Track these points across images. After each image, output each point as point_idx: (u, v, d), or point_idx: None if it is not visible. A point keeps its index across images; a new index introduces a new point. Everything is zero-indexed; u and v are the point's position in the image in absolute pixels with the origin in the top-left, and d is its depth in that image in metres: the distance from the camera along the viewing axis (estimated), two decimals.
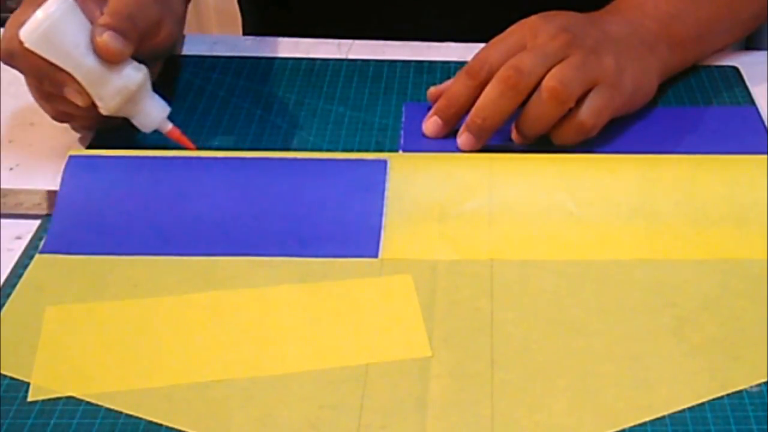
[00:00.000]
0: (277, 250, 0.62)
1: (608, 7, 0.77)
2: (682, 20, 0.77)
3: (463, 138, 0.71)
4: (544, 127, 0.69)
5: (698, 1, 0.78)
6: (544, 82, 0.68)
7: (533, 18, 0.72)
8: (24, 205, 0.67)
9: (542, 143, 0.71)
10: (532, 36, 0.71)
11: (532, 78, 0.68)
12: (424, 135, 0.73)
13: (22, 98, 0.78)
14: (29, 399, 0.53)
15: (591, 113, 0.69)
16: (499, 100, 0.69)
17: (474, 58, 0.71)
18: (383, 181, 0.65)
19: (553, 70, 0.68)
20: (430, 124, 0.72)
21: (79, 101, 0.66)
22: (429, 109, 0.73)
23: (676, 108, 0.77)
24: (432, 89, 0.75)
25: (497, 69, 0.69)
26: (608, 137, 0.72)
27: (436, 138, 0.72)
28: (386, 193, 0.64)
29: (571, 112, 0.69)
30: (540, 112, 0.69)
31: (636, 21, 0.75)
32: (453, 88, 0.72)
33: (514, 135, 0.71)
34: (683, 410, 0.52)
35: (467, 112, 0.71)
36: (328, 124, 0.75)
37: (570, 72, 0.68)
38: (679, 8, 0.77)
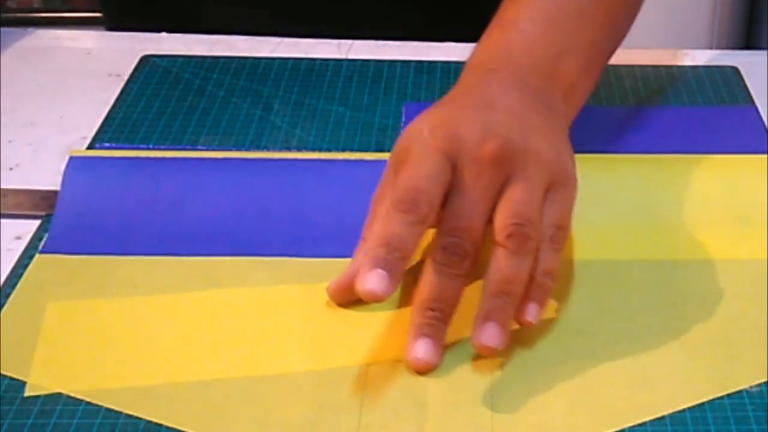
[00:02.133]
0: (277, 250, 0.62)
1: (473, 67, 0.64)
2: (562, 59, 0.64)
3: (490, 331, 0.54)
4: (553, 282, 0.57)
5: (571, 28, 0.66)
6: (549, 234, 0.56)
7: (438, 130, 0.57)
8: (24, 205, 0.67)
9: None
10: (455, 152, 0.56)
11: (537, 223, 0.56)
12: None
13: (22, 98, 0.79)
14: (26, 395, 0.53)
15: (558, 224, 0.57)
16: (522, 265, 0.55)
17: (400, 190, 0.54)
18: None
19: (554, 218, 0.57)
20: (376, 277, 0.52)
21: None
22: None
23: (676, 108, 0.77)
24: (332, 287, 0.58)
25: (437, 199, 0.55)
26: (608, 137, 0.72)
27: (384, 297, 0.53)
28: None
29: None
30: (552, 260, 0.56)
31: (518, 80, 0.62)
32: (388, 229, 0.54)
33: (530, 313, 0.56)
34: (683, 410, 0.52)
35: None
36: (328, 124, 0.75)
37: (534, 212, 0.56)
38: (556, 45, 0.64)
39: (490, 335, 0.54)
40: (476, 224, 0.55)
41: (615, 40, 0.70)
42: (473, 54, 0.65)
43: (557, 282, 0.60)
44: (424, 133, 0.56)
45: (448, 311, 0.55)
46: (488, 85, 0.61)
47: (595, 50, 0.67)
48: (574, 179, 0.59)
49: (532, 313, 0.55)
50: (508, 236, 0.54)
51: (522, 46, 0.63)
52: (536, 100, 0.61)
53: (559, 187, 0.57)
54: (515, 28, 0.64)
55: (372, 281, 0.52)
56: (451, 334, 0.56)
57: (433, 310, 0.55)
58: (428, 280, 0.55)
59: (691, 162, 0.66)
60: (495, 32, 0.65)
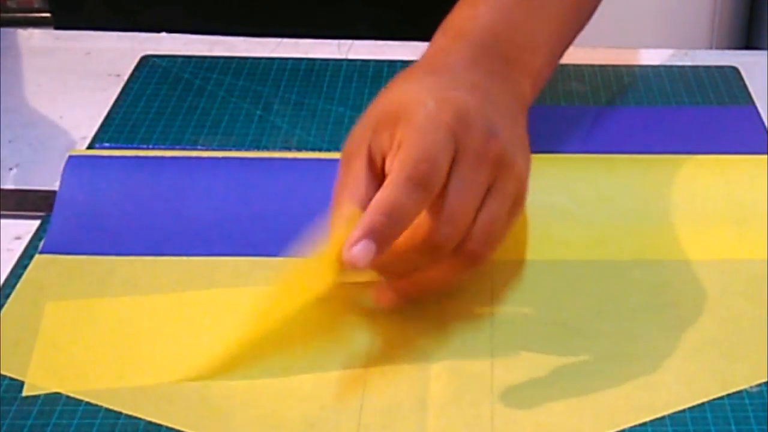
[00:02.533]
0: (277, 250, 0.62)
1: (449, 34, 0.62)
2: (532, 51, 0.63)
3: (389, 296, 0.57)
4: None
5: (541, 14, 0.65)
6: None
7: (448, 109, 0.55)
8: (24, 205, 0.67)
9: (542, 144, 0.71)
10: (461, 135, 0.54)
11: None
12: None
13: (22, 98, 0.79)
14: (24, 394, 0.53)
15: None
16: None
17: (413, 159, 0.53)
18: None
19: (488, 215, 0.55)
20: (364, 249, 0.51)
21: None
22: None
23: (676, 108, 0.77)
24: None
25: (445, 176, 0.53)
26: (608, 137, 0.72)
27: (363, 267, 0.52)
28: None
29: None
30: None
31: (498, 67, 0.61)
32: (395, 199, 0.52)
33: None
34: (683, 410, 0.52)
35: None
36: (328, 124, 0.75)
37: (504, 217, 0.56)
38: (528, 34, 0.63)
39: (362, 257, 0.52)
40: (469, 217, 0.54)
41: (576, 30, 0.70)
42: (447, 21, 0.63)
43: (558, 282, 0.60)
44: (428, 104, 0.54)
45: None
46: (472, 65, 0.59)
47: (559, 41, 0.66)
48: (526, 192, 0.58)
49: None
50: (467, 249, 0.54)
51: (497, 26, 0.62)
52: (515, 96, 0.60)
53: (520, 200, 0.57)
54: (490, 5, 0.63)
55: (358, 250, 0.51)
56: (451, 335, 0.56)
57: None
58: (411, 260, 0.54)
59: (691, 162, 0.66)
60: (465, 6, 0.64)
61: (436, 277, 0.56)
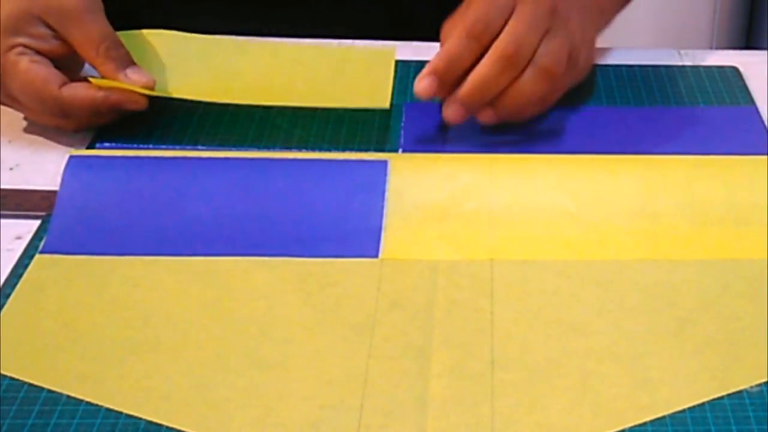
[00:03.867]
0: (277, 250, 0.62)
1: None
2: None
3: (452, 110, 0.71)
4: (530, 102, 0.71)
5: None
6: (541, 62, 0.70)
7: None
8: (24, 205, 0.67)
9: (542, 144, 0.70)
10: None
11: (529, 53, 0.70)
12: (421, 135, 0.73)
13: None
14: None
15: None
16: (499, 78, 0.69)
17: (474, 19, 0.70)
18: (384, 182, 0.65)
19: (546, 48, 0.70)
20: (426, 83, 0.70)
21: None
22: (429, 109, 0.73)
23: (676, 108, 0.77)
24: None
25: (498, 32, 0.69)
26: (609, 138, 0.72)
27: (426, 97, 0.70)
28: (387, 194, 0.64)
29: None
30: (531, 90, 0.70)
31: None
32: (453, 49, 0.70)
33: (485, 115, 0.71)
34: (683, 410, 0.52)
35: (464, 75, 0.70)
36: (328, 124, 0.75)
37: (560, 48, 0.70)
38: None
39: (454, 112, 0.71)
40: (530, 48, 0.70)
41: None
42: None
43: (558, 282, 0.60)
44: None
45: (488, 97, 0.71)
46: None
47: None
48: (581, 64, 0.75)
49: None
50: (507, 53, 0.70)
51: None
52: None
53: (575, 54, 0.73)
54: None
55: (424, 81, 0.70)
56: (452, 335, 0.56)
57: None
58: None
59: (691, 163, 0.66)
60: None
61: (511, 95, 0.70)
